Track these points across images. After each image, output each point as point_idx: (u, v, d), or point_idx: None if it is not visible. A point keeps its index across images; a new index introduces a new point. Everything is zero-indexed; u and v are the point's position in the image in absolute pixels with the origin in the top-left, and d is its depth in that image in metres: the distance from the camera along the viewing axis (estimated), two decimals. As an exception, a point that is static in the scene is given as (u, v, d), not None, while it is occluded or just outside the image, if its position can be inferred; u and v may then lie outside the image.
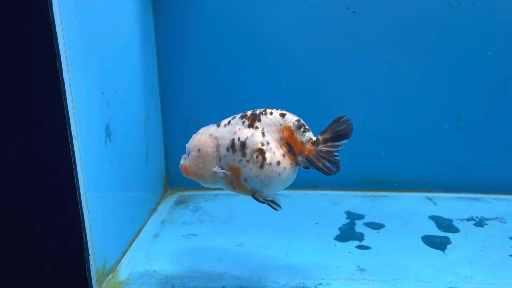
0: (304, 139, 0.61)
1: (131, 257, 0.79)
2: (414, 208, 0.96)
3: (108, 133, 0.74)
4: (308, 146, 0.61)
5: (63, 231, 0.65)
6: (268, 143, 0.61)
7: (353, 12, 0.95)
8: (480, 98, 0.98)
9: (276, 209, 0.67)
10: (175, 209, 0.98)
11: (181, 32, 0.99)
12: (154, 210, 0.98)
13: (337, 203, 0.99)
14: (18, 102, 0.60)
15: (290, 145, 0.62)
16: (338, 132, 0.61)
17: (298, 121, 0.62)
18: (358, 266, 0.75)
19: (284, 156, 0.61)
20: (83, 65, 0.65)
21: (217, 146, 0.65)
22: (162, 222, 0.93)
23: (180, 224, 0.91)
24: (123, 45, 0.81)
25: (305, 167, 0.63)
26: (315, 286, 0.70)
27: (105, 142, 0.73)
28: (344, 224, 0.90)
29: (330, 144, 0.61)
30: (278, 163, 0.61)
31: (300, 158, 0.61)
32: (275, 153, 0.61)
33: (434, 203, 0.98)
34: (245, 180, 0.63)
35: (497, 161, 1.00)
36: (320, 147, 0.60)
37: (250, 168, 0.62)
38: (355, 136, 1.02)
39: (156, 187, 1.00)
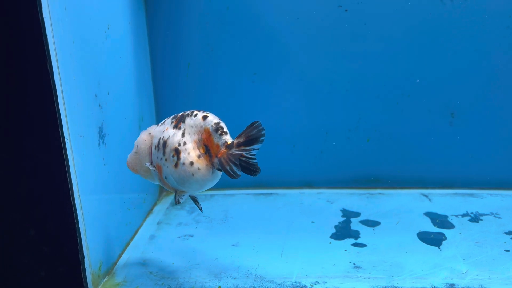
0: (220, 142, 0.62)
1: (127, 259, 0.79)
2: (409, 205, 0.96)
3: (101, 136, 0.74)
4: (223, 149, 0.61)
5: (58, 234, 0.65)
6: (185, 143, 0.63)
7: (346, 11, 0.95)
8: (474, 94, 0.98)
9: (200, 209, 0.71)
10: (171, 210, 0.98)
11: (174, 33, 0.99)
12: (150, 212, 0.98)
13: (333, 201, 0.99)
14: (9, 106, 0.60)
15: (207, 147, 0.62)
16: (250, 137, 0.60)
17: (216, 124, 0.62)
18: (354, 264, 0.75)
19: (199, 157, 0.62)
20: (75, 68, 0.65)
21: (151, 144, 0.68)
22: (158, 223, 0.93)
23: (176, 225, 0.91)
24: (115, 47, 0.81)
25: (219, 169, 0.63)
26: (311, 285, 0.70)
27: (99, 144, 0.73)
28: (339, 222, 0.90)
29: (242, 148, 0.60)
30: (192, 163, 0.62)
31: (215, 160, 0.62)
32: (189, 154, 0.62)
33: (430, 200, 0.98)
34: (165, 177, 0.66)
35: (491, 156, 1.01)
36: (233, 150, 0.60)
37: (168, 167, 0.64)
38: (350, 134, 1.02)
39: (151, 189, 1.00)
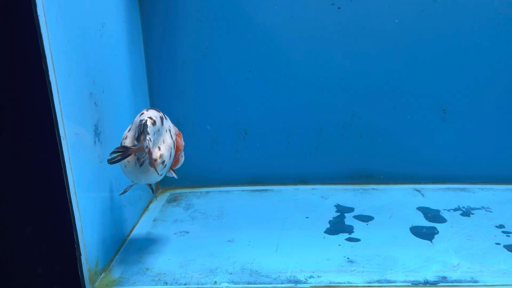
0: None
1: (124, 256, 0.80)
2: (402, 200, 0.97)
3: (97, 133, 0.74)
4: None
5: (54, 232, 0.66)
6: (126, 138, 0.69)
7: (339, 8, 0.96)
8: (465, 90, 0.99)
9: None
10: (167, 207, 0.99)
11: (169, 31, 0.99)
12: (146, 209, 0.98)
13: (327, 197, 1.00)
14: (5, 104, 0.60)
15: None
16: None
17: (140, 121, 0.66)
18: (348, 258, 0.76)
19: None
20: (70, 66, 0.65)
21: None
22: (154, 220, 0.93)
23: (172, 221, 0.92)
24: (110, 45, 0.81)
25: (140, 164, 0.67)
26: (305, 279, 0.71)
27: (94, 142, 0.74)
28: (334, 218, 0.91)
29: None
30: None
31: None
32: None
33: (422, 195, 1.00)
34: None
35: (483, 151, 1.02)
36: (132, 146, 0.65)
37: None
38: (344, 131, 1.04)
39: (147, 186, 1.00)
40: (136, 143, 0.64)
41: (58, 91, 0.61)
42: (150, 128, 0.65)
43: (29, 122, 0.61)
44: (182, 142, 0.80)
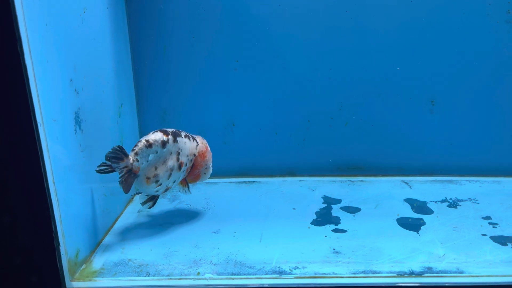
0: None
1: (106, 247, 0.78)
2: (390, 192, 0.97)
3: (78, 121, 0.72)
4: None
5: (32, 221, 0.64)
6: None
7: (327, -3, 0.95)
8: (454, 81, 0.99)
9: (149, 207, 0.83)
10: (152, 199, 0.97)
11: (155, 19, 0.97)
12: (131, 200, 0.97)
13: (315, 188, 0.99)
14: (-21, 89, 0.58)
15: None
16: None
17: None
18: (334, 249, 0.76)
19: None
20: (48, 51, 0.63)
21: None
22: (139, 211, 0.92)
23: (157, 213, 0.91)
24: (92, 31, 0.79)
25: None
26: (290, 270, 0.70)
27: (75, 130, 0.72)
28: (320, 209, 0.90)
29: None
30: None
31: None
32: None
33: (410, 187, 0.99)
34: None
35: (471, 144, 1.02)
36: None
37: None
38: (332, 122, 1.03)
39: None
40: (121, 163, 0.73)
41: (34, 75, 0.59)
42: (141, 150, 0.75)
43: (3, 106, 0.59)
44: (202, 163, 0.84)
